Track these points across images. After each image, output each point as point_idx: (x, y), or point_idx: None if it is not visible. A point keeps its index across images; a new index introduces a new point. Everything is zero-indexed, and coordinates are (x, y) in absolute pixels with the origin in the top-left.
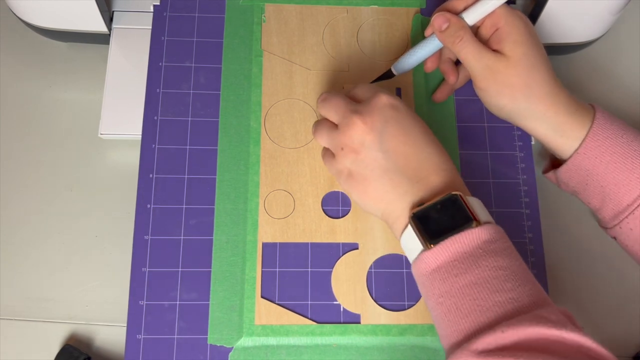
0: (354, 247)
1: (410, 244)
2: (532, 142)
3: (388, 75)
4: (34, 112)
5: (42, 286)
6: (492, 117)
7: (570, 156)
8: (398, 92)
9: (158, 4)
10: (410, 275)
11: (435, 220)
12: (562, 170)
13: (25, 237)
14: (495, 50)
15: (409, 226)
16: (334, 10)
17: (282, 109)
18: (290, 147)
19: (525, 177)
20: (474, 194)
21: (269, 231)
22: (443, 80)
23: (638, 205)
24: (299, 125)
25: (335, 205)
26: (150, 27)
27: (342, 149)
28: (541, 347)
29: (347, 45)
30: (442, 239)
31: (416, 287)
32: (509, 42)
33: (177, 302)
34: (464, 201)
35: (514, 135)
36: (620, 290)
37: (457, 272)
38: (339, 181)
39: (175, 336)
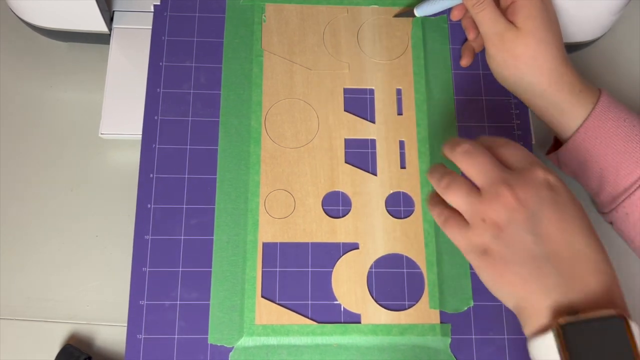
0: (354, 246)
1: (544, 355)
2: (533, 142)
3: (409, 13)
4: (34, 112)
5: (42, 286)
6: (492, 117)
7: (571, 135)
8: (398, 92)
9: (158, 3)
10: (410, 275)
11: (588, 347)
12: (563, 149)
13: (26, 237)
14: (509, 21)
15: (550, 335)
16: (335, 10)
17: (283, 109)
18: (290, 146)
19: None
20: None
21: (270, 231)
22: (464, 42)
23: (635, 189)
24: (300, 125)
25: (336, 205)
26: (151, 27)
27: (483, 220)
28: None
29: (347, 45)
30: None
31: (416, 286)
32: (521, 15)
33: (178, 302)
34: (630, 334)
35: (514, 135)
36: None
37: None
38: (468, 255)
39: (176, 336)
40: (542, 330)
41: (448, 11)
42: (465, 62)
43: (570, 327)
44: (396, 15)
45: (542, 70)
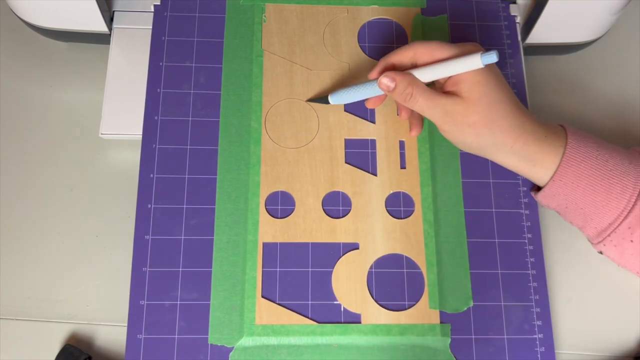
0: (354, 247)
1: None
2: None
3: (324, 101)
4: (35, 112)
5: (42, 286)
6: None
7: (547, 183)
8: None
9: (159, 3)
10: (410, 275)
11: None
12: (540, 195)
13: (26, 237)
14: (451, 92)
15: None
16: (335, 10)
17: (283, 109)
18: (290, 147)
19: (524, 178)
20: (473, 195)
21: (270, 231)
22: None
23: (620, 224)
24: (300, 125)
25: (336, 205)
26: (151, 27)
27: None
28: None
29: (347, 45)
30: None
31: (416, 287)
32: (465, 84)
33: (178, 302)
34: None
35: None
36: (620, 290)
37: None
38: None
39: (176, 336)
40: None
41: (448, 11)
42: (415, 132)
43: None
44: (309, 100)
45: (503, 130)
